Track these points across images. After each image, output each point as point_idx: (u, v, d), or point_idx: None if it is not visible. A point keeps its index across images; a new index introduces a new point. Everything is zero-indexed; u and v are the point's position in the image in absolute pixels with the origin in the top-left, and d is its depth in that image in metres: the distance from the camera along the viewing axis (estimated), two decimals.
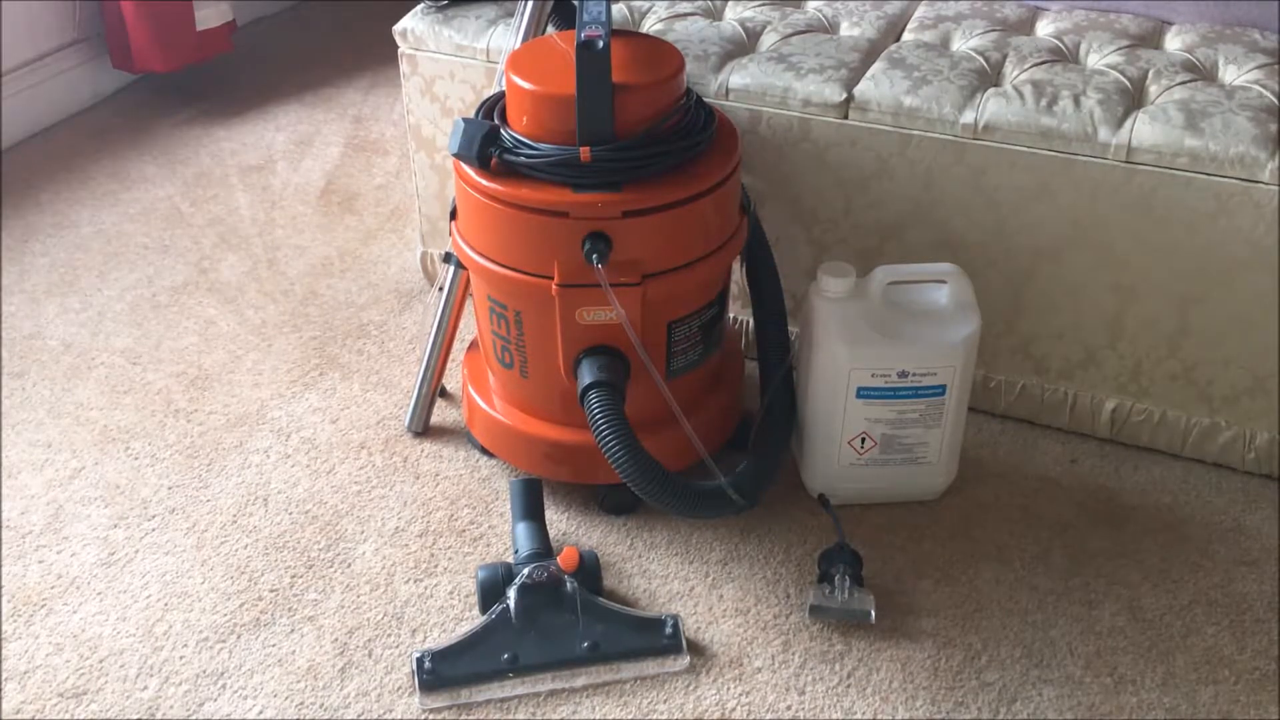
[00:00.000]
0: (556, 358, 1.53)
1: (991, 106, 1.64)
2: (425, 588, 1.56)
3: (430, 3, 1.92)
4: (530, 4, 1.69)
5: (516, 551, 1.53)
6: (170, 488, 1.72)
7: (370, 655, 1.47)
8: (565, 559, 1.47)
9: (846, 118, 1.70)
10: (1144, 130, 1.58)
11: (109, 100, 2.85)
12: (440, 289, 1.76)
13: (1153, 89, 1.69)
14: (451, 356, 1.83)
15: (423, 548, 1.62)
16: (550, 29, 1.71)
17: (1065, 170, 1.62)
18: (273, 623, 1.51)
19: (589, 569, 1.50)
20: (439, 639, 1.48)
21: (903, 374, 1.56)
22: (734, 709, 1.40)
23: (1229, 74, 1.73)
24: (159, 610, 1.53)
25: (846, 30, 1.90)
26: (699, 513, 1.55)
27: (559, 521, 1.66)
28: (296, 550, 1.61)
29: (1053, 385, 1.78)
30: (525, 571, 1.47)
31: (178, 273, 2.20)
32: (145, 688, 1.43)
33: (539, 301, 1.50)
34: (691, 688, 1.43)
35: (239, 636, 1.49)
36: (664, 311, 1.53)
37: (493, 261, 1.52)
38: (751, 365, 1.78)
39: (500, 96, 1.55)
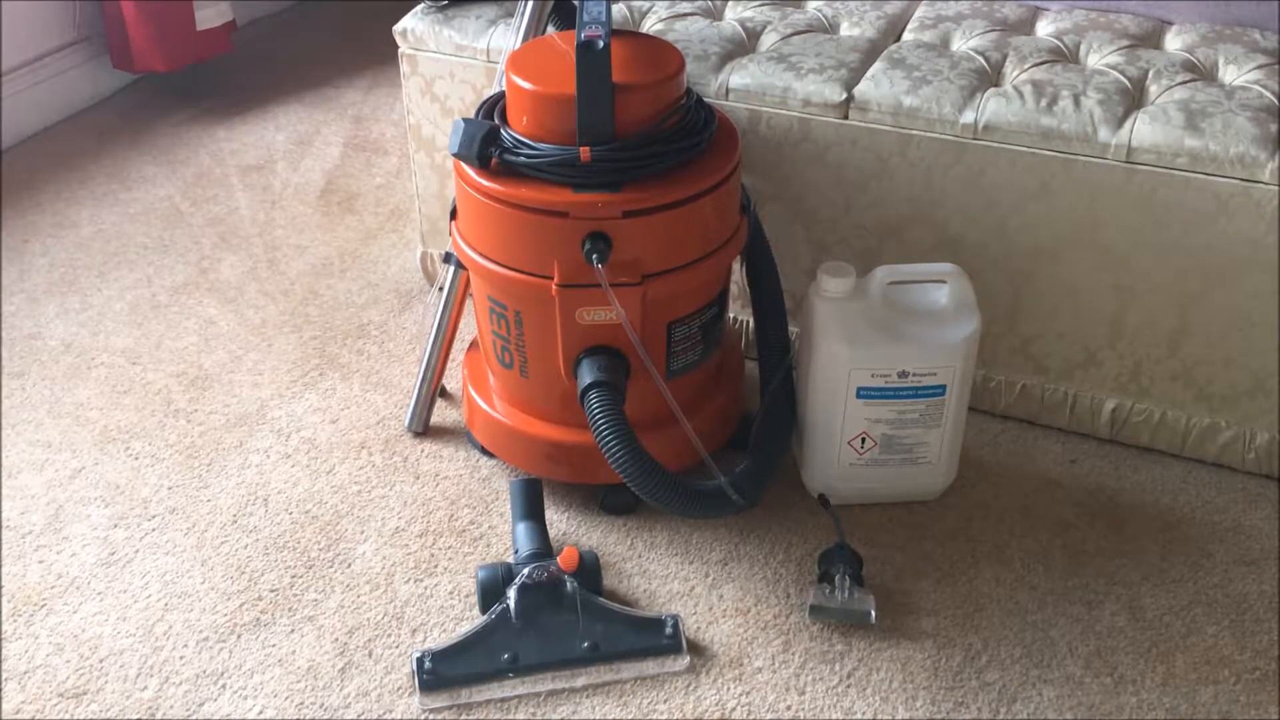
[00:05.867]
0: (556, 358, 1.53)
1: (991, 106, 1.64)
2: (425, 588, 1.56)
3: (430, 3, 1.92)
4: (530, 4, 1.69)
5: (516, 551, 1.53)
6: (170, 488, 1.72)
7: (370, 655, 1.47)
8: (565, 559, 1.47)
9: (846, 118, 1.70)
10: (1144, 130, 1.58)
11: (109, 100, 2.85)
12: (440, 289, 1.76)
13: (1153, 89, 1.69)
14: (451, 356, 1.83)
15: (423, 548, 1.62)
16: (550, 29, 1.71)
17: (1065, 170, 1.62)
18: (273, 623, 1.51)
19: (589, 569, 1.50)
20: (439, 639, 1.48)
21: (903, 374, 1.56)
22: (734, 709, 1.40)
23: (1229, 74, 1.73)
24: (159, 610, 1.53)
25: (846, 30, 1.90)
26: (699, 513, 1.55)
27: (559, 521, 1.66)
28: (296, 550, 1.61)
29: (1053, 385, 1.78)
30: (525, 571, 1.47)
31: (178, 273, 2.20)
32: (145, 688, 1.43)
33: (539, 301, 1.50)
34: (691, 688, 1.43)
35: (239, 636, 1.49)
36: (664, 311, 1.53)
37: (493, 261, 1.52)
38: (751, 365, 1.78)
39: (500, 96, 1.55)
